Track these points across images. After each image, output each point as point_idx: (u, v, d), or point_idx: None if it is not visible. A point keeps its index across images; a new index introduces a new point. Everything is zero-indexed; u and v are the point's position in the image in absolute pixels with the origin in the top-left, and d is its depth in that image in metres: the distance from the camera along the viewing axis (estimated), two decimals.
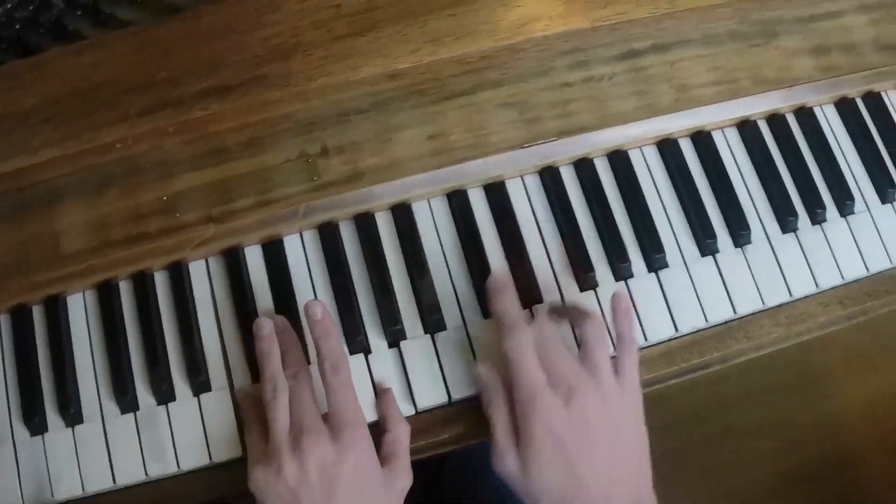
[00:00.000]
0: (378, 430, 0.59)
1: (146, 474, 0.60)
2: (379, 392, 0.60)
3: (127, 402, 0.61)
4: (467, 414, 0.61)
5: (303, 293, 0.63)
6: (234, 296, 0.63)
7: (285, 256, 0.64)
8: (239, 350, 0.62)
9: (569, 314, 0.60)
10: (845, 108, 0.70)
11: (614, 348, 0.60)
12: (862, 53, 0.69)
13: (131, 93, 0.63)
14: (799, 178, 0.68)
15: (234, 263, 0.64)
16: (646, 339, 0.64)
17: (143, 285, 0.64)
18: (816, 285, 0.66)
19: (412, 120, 0.64)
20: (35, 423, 0.61)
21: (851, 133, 0.70)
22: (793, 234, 0.67)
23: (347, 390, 0.56)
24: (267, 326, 0.58)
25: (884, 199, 0.69)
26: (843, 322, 0.70)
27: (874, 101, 0.71)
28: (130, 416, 0.61)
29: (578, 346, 0.59)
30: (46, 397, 0.62)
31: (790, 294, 0.66)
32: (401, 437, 0.58)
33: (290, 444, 0.53)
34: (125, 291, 0.64)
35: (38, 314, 0.64)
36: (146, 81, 0.62)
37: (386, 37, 0.63)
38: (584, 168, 0.67)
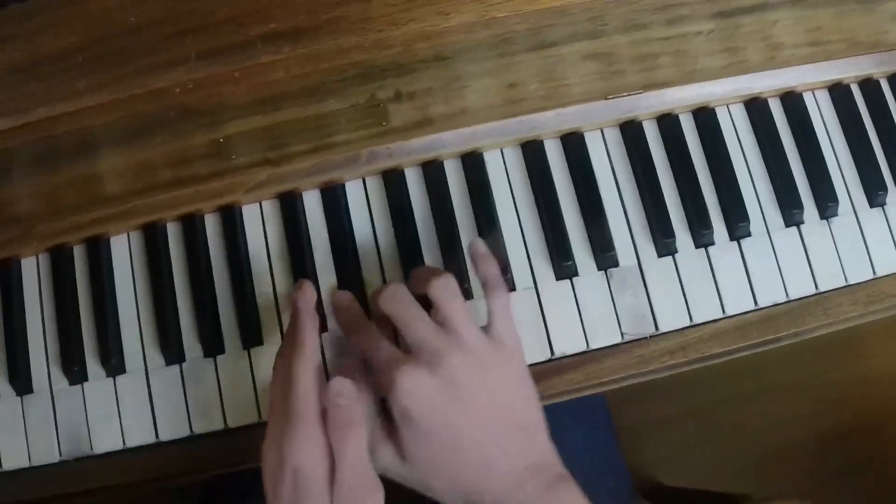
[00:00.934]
0: None
1: (191, 430, 0.57)
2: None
3: (172, 353, 0.57)
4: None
5: (364, 241, 0.59)
6: (289, 241, 0.59)
7: (346, 202, 0.60)
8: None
9: (413, 279, 0.54)
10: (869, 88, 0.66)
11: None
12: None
13: (190, 34, 0.57)
14: (891, 148, 0.64)
15: (290, 207, 0.59)
16: (724, 311, 0.60)
17: (192, 228, 0.59)
18: None
19: (493, 69, 0.59)
20: (74, 371, 0.57)
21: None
22: (880, 208, 0.63)
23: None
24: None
25: None
26: None
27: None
28: (176, 367, 0.57)
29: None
30: (87, 345, 0.58)
31: (874, 272, 0.62)
32: None
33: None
34: (173, 234, 0.60)
35: (79, 255, 0.59)
36: (207, 22, 0.57)
37: None
38: (667, 123, 0.62)
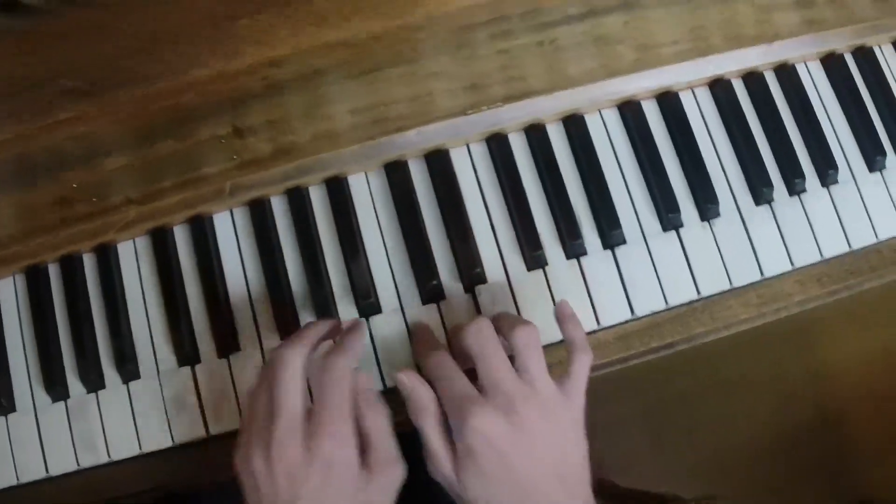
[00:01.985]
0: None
1: (78, 464, 0.59)
2: None
3: (57, 391, 0.59)
4: None
5: (233, 272, 0.60)
6: (160, 276, 0.60)
7: (214, 234, 0.61)
8: (165, 332, 0.60)
9: (499, 322, 0.55)
10: (832, 63, 0.63)
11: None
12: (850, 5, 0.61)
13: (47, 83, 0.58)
14: (776, 143, 0.62)
15: (160, 243, 0.61)
16: (598, 322, 0.59)
17: (71, 268, 0.61)
18: (791, 263, 0.60)
19: (341, 93, 0.59)
20: None
21: (838, 92, 0.63)
22: (767, 206, 0.61)
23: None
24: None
25: (871, 167, 0.62)
26: (824, 299, 0.64)
27: (865, 57, 0.63)
28: (61, 404, 0.60)
29: (511, 358, 0.53)
30: None
31: (761, 273, 0.60)
32: None
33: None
34: (54, 274, 0.61)
35: None
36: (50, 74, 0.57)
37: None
38: (534, 134, 0.61)
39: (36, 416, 0.59)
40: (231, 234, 0.61)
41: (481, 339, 0.52)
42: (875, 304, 0.91)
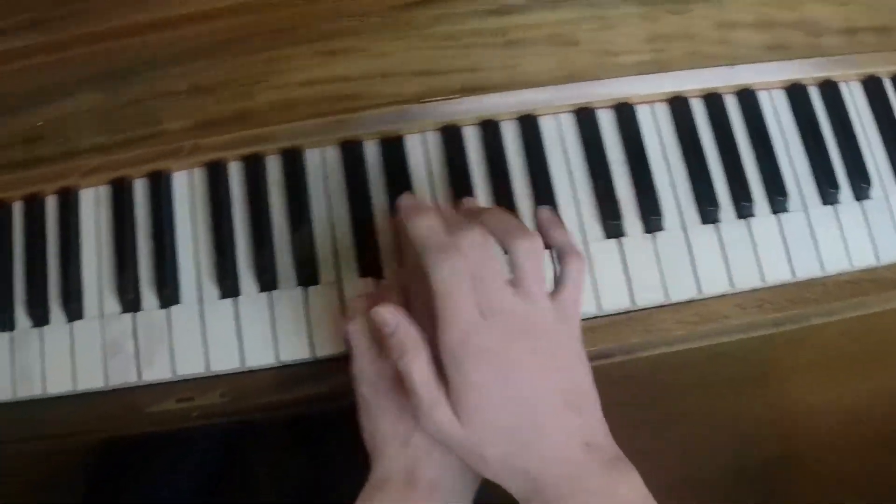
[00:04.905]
0: None
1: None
2: None
3: (2, 320, 0.62)
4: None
5: (184, 232, 0.62)
6: (115, 229, 0.63)
7: (171, 192, 0.63)
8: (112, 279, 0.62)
9: (500, 231, 0.50)
10: (796, 93, 0.63)
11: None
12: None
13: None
14: (729, 165, 0.62)
15: (119, 194, 0.63)
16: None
17: (32, 209, 0.64)
18: (732, 284, 0.60)
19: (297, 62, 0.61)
20: None
21: (798, 123, 0.63)
22: (713, 225, 0.61)
23: None
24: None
25: (825, 200, 0.62)
26: (769, 327, 0.64)
27: (831, 91, 0.63)
28: (6, 334, 0.62)
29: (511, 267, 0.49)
30: None
31: (699, 290, 0.60)
32: None
33: None
34: (17, 213, 0.64)
35: None
36: None
37: None
38: (489, 129, 0.62)
39: None
40: (187, 193, 0.63)
41: (475, 263, 0.47)
42: (849, 356, 0.90)
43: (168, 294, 0.61)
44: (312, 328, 0.59)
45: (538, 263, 0.49)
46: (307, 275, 0.60)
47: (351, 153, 0.62)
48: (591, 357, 0.61)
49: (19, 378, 0.61)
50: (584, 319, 0.59)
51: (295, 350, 0.59)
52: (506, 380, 0.46)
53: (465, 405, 0.45)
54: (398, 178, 0.62)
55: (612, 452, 0.48)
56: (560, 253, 0.52)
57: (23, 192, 0.64)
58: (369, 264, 0.60)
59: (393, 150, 0.62)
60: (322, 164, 0.62)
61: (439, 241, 0.47)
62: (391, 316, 0.47)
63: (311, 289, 0.60)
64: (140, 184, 0.63)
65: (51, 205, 0.64)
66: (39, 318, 0.62)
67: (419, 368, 0.46)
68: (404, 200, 0.53)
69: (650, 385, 0.83)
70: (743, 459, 0.90)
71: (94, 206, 0.63)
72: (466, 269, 0.46)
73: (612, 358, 0.63)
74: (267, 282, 0.60)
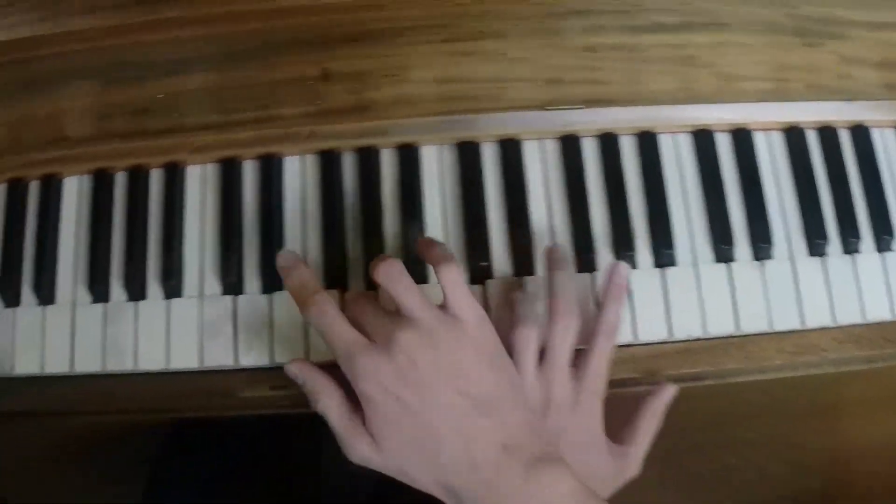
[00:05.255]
0: None
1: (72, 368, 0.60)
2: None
3: (98, 292, 0.61)
4: None
5: (293, 219, 0.62)
6: (222, 207, 0.62)
7: (281, 176, 0.62)
8: (215, 260, 0.61)
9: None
10: None
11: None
12: None
13: None
14: (839, 199, 0.62)
15: (228, 174, 0.62)
16: (637, 336, 0.60)
17: (136, 181, 0.63)
18: (834, 319, 0.61)
19: (429, 58, 0.60)
20: (8, 294, 0.61)
21: None
22: (820, 259, 0.62)
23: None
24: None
25: None
26: (860, 364, 0.64)
27: None
28: (100, 305, 0.61)
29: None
30: (25, 274, 0.62)
31: (802, 322, 0.61)
32: None
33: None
34: (119, 183, 0.63)
35: (34, 191, 0.63)
36: None
37: None
38: (608, 142, 0.62)
39: (74, 311, 0.61)
40: (298, 179, 0.62)
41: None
42: None
43: (272, 280, 0.60)
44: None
45: (400, 280, 0.50)
46: (418, 273, 0.60)
47: (467, 153, 0.62)
48: (684, 379, 0.63)
49: (110, 351, 0.60)
50: (684, 341, 0.60)
51: None
52: (404, 403, 0.48)
53: (377, 434, 0.49)
54: (514, 181, 0.61)
55: (534, 452, 0.48)
56: (434, 265, 0.52)
57: (128, 163, 0.63)
58: (478, 269, 0.60)
59: (511, 154, 0.62)
60: (438, 161, 0.62)
61: (308, 287, 0.52)
62: (296, 369, 0.52)
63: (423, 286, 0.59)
64: (250, 165, 0.63)
65: (155, 178, 0.63)
66: (136, 292, 0.61)
67: (334, 409, 0.50)
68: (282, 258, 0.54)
69: (709, 409, 0.83)
70: (798, 490, 0.91)
71: (199, 184, 0.63)
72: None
73: (703, 381, 0.64)
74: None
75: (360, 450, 0.49)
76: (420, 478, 0.49)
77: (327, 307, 0.50)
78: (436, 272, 0.51)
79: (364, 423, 0.49)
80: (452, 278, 0.51)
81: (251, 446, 0.74)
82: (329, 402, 0.50)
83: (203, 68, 0.62)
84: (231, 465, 0.72)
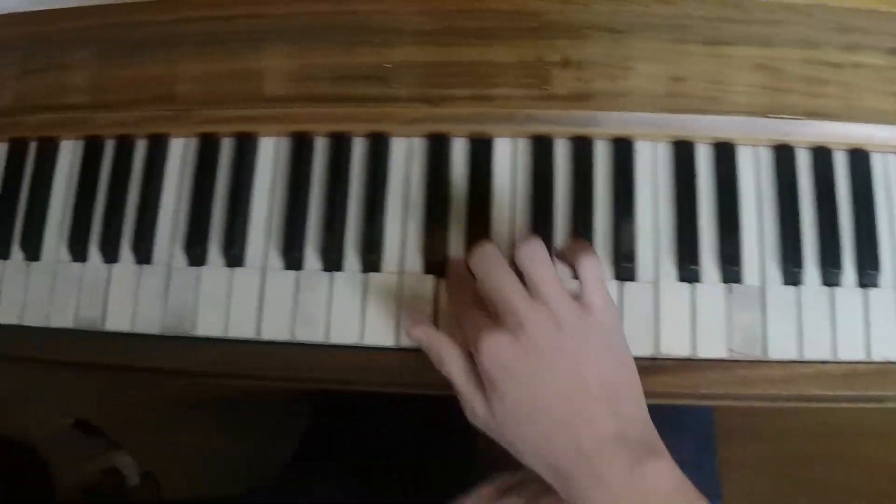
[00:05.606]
0: None
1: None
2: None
3: (290, 259, 0.59)
4: None
5: (501, 199, 0.60)
6: (428, 182, 0.60)
7: (491, 157, 0.60)
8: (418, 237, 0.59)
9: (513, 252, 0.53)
10: None
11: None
12: None
13: None
14: None
15: (437, 149, 0.60)
16: (835, 354, 0.59)
17: (339, 147, 0.60)
18: None
19: (659, 54, 0.59)
20: (196, 253, 0.59)
21: None
22: None
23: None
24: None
25: None
26: None
27: None
28: (292, 273, 0.59)
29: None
30: (212, 236, 0.60)
31: None
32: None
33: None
34: (320, 148, 0.61)
35: (226, 146, 0.61)
36: None
37: None
38: (821, 157, 0.62)
39: (264, 276, 0.59)
40: (508, 160, 0.60)
41: (484, 262, 0.51)
42: None
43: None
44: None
45: (542, 264, 0.50)
46: (628, 272, 0.58)
47: (683, 152, 0.61)
48: (864, 399, 0.62)
49: (300, 321, 0.58)
50: (848, 363, 0.60)
51: None
52: (520, 383, 0.49)
53: (494, 406, 0.49)
54: (726, 185, 0.60)
55: (644, 447, 0.48)
56: (574, 257, 0.53)
57: (329, 128, 0.60)
58: (688, 271, 0.59)
59: (725, 157, 0.61)
60: (652, 157, 0.61)
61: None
62: (422, 333, 0.53)
63: (628, 285, 0.58)
64: (460, 143, 0.61)
65: (358, 148, 0.61)
66: (333, 262, 0.59)
67: (458, 373, 0.51)
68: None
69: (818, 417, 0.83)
70: None
71: (405, 156, 0.61)
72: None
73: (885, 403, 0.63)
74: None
75: (478, 413, 0.51)
76: (529, 457, 0.50)
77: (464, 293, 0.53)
78: (575, 261, 0.52)
79: (485, 394, 0.50)
80: (591, 268, 0.52)
81: (403, 428, 0.72)
82: (454, 366, 0.51)
83: (416, 41, 0.60)
84: (378, 444, 0.70)
